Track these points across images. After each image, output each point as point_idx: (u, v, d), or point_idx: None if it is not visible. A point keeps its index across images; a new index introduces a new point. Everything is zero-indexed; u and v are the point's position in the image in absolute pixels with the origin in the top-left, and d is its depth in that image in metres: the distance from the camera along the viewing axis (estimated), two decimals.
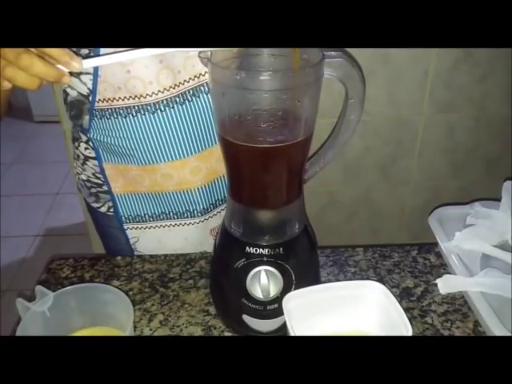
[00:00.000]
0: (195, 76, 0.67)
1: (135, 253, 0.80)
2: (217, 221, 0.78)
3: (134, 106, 0.66)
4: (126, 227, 0.78)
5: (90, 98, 0.66)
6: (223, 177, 0.75)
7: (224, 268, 0.58)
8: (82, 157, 0.76)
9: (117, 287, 0.58)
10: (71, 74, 0.63)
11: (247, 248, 0.55)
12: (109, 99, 0.66)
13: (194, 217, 0.76)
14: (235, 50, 0.54)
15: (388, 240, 1.38)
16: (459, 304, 0.65)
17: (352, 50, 0.75)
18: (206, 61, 0.51)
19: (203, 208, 0.76)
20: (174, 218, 0.77)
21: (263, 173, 0.54)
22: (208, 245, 0.74)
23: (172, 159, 0.70)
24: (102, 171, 0.74)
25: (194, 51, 0.56)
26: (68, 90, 0.69)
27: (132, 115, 0.67)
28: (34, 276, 0.74)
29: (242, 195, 0.56)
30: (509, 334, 0.55)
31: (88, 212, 0.84)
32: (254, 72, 0.48)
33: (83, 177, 0.78)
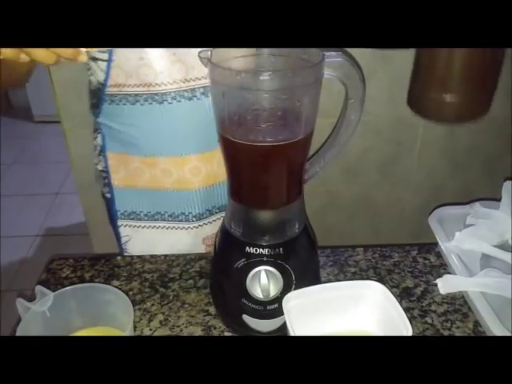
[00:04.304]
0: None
1: (124, 253, 0.79)
2: (211, 229, 0.77)
3: (142, 94, 0.67)
4: (120, 223, 0.77)
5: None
6: (223, 183, 0.74)
7: (224, 268, 0.58)
8: (98, 147, 0.77)
9: (117, 287, 0.58)
10: (93, 59, 0.64)
11: (247, 248, 0.55)
12: (120, 85, 0.67)
13: (189, 221, 0.76)
14: (235, 50, 0.54)
15: (388, 240, 1.38)
16: (459, 304, 0.65)
17: (352, 50, 0.75)
18: (206, 61, 0.51)
19: (198, 213, 0.75)
20: (168, 220, 0.76)
21: (263, 172, 0.54)
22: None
23: (172, 154, 0.70)
24: (106, 161, 0.75)
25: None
26: (91, 78, 0.71)
27: (140, 103, 0.67)
28: (34, 276, 0.74)
29: (241, 195, 0.56)
30: (509, 334, 0.55)
31: (105, 206, 0.83)
32: (254, 72, 0.48)
33: (99, 167, 0.79)
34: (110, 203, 0.77)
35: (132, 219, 0.77)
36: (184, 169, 0.71)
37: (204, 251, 0.77)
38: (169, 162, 0.71)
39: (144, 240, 0.78)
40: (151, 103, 0.67)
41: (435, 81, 0.53)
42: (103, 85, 0.68)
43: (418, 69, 0.53)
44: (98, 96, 0.70)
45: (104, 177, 0.78)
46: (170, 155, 0.70)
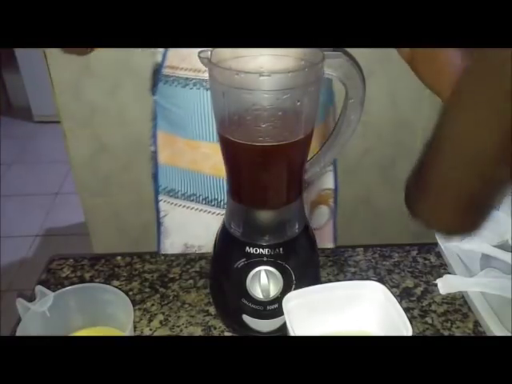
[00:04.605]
0: None
1: (161, 228, 0.83)
2: None
3: (192, 79, 0.69)
4: (160, 198, 0.81)
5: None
6: None
7: (224, 268, 0.58)
8: (152, 129, 0.80)
9: (117, 287, 0.58)
10: None
11: (247, 248, 0.55)
12: (174, 67, 0.70)
13: (219, 207, 0.77)
14: (235, 50, 0.54)
15: (388, 240, 1.38)
16: (459, 304, 0.65)
17: (352, 50, 0.75)
18: (206, 61, 0.51)
19: (225, 203, 0.76)
20: (202, 203, 0.78)
21: (263, 172, 0.54)
22: None
23: (213, 140, 0.72)
24: (155, 139, 0.79)
25: None
26: (154, 58, 0.73)
27: (189, 87, 0.70)
28: (34, 276, 0.74)
29: (241, 195, 0.56)
30: (509, 334, 0.55)
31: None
32: (254, 72, 0.48)
33: (152, 148, 0.82)
34: (154, 178, 0.82)
35: (170, 196, 0.80)
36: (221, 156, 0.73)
37: None
38: (209, 147, 0.73)
39: (178, 218, 0.81)
40: (199, 88, 0.69)
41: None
42: (160, 65, 0.72)
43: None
44: (156, 76, 0.75)
45: (153, 155, 0.82)
46: (211, 141, 0.72)
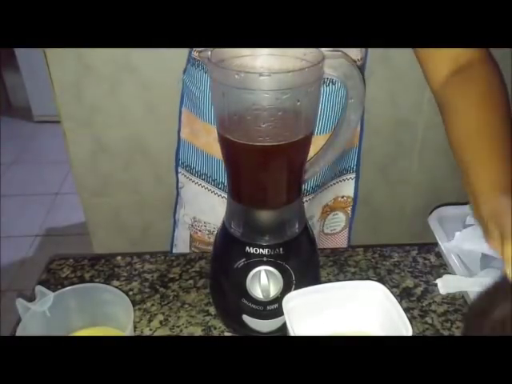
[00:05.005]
0: None
1: (178, 198, 0.87)
2: None
3: None
4: (179, 170, 0.85)
5: None
6: None
7: (224, 268, 0.58)
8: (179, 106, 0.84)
9: (117, 287, 0.58)
10: None
11: (247, 248, 0.55)
12: (200, 51, 0.70)
13: (224, 191, 0.79)
14: (235, 50, 0.54)
15: (388, 240, 1.38)
16: (459, 304, 0.65)
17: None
18: (206, 61, 0.51)
19: None
20: (211, 184, 0.80)
21: (263, 172, 0.54)
22: None
23: None
24: (180, 114, 0.82)
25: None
26: None
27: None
28: (34, 276, 0.74)
29: (241, 195, 0.56)
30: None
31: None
32: (254, 72, 0.48)
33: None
34: (177, 151, 0.85)
35: (187, 171, 0.84)
36: None
37: None
38: None
39: (191, 192, 0.84)
40: None
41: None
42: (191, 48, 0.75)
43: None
44: (188, 56, 0.77)
45: (178, 128, 0.85)
46: None
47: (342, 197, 0.86)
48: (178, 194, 0.88)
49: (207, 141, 0.77)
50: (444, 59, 0.65)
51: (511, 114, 0.60)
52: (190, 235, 0.86)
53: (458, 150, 0.61)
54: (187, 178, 0.84)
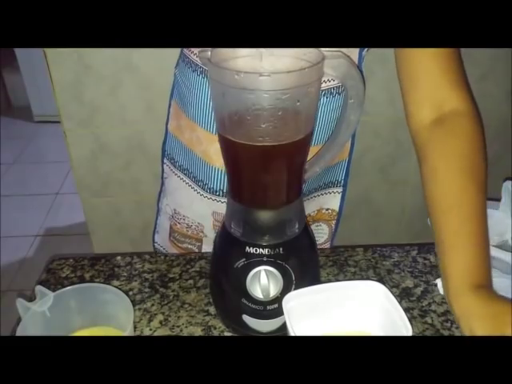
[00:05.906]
0: None
1: (163, 188, 0.89)
2: (221, 208, 0.79)
3: (201, 67, 0.71)
4: (164, 161, 0.86)
5: None
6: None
7: (224, 268, 0.58)
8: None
9: (117, 287, 0.58)
10: None
11: (247, 248, 0.55)
12: (190, 50, 0.73)
13: (203, 189, 0.79)
14: (235, 50, 0.54)
15: (388, 240, 1.38)
16: None
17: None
18: (206, 61, 0.51)
19: (213, 187, 0.79)
20: (192, 180, 0.81)
21: (263, 172, 0.54)
22: (208, 227, 0.80)
23: (206, 129, 0.74)
24: (169, 106, 0.83)
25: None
26: None
27: (197, 73, 0.72)
28: (34, 276, 0.74)
29: (241, 195, 0.56)
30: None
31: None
32: (254, 72, 0.48)
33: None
34: (164, 141, 0.86)
35: (171, 163, 0.85)
36: (212, 146, 0.74)
37: (211, 225, 0.81)
38: (202, 133, 0.75)
39: (173, 184, 0.85)
40: (204, 77, 0.71)
41: None
42: None
43: None
44: (180, 52, 0.78)
45: (167, 120, 0.86)
46: (205, 129, 0.74)
47: (327, 209, 0.85)
48: (162, 183, 0.89)
49: (190, 137, 0.78)
50: (428, 100, 0.64)
51: (487, 175, 0.60)
52: (170, 226, 0.87)
53: (433, 219, 0.61)
54: (171, 170, 0.85)
